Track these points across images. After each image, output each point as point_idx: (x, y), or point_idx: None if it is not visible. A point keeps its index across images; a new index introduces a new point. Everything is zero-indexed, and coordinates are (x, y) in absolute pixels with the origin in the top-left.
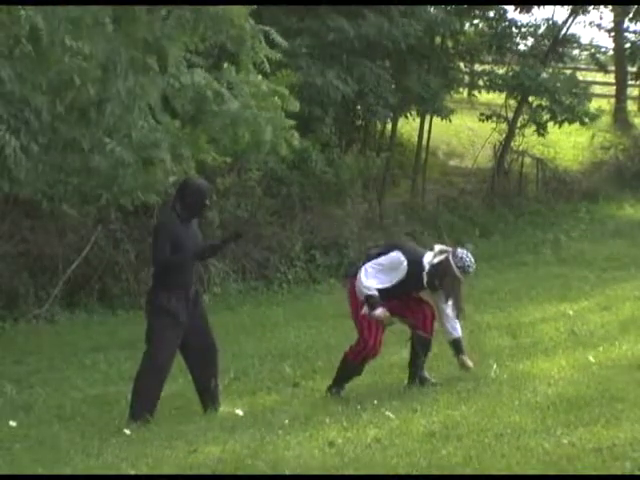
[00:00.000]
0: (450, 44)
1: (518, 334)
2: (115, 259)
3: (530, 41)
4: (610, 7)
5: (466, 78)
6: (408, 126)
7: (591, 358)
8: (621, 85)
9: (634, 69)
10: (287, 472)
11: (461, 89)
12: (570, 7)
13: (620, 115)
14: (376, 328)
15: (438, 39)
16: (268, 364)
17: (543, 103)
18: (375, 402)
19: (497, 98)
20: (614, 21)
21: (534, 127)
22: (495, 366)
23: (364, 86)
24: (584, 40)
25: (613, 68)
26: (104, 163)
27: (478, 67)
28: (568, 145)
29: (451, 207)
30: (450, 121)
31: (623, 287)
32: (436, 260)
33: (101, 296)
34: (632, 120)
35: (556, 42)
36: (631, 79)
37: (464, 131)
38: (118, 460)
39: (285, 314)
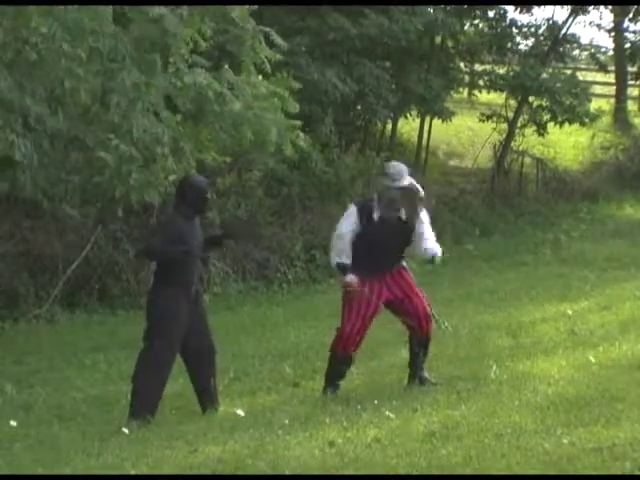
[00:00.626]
0: (450, 44)
1: (518, 334)
2: (115, 259)
3: (530, 41)
4: (610, 7)
5: (466, 78)
6: (408, 126)
7: (591, 358)
8: (621, 85)
9: (634, 69)
10: (287, 472)
11: (461, 89)
12: (570, 7)
13: (620, 115)
14: (356, 318)
15: (438, 39)
16: (268, 364)
17: (543, 103)
18: (375, 402)
19: (497, 98)
20: (614, 21)
21: (534, 127)
22: (495, 366)
23: (364, 86)
24: (584, 40)
25: (613, 68)
26: (110, 158)
27: (478, 67)
28: (568, 145)
29: (451, 207)
30: (450, 121)
31: (623, 287)
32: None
33: (101, 296)
34: (632, 120)
35: (556, 42)
36: (631, 79)
37: (464, 131)
38: (118, 460)
39: (285, 314)
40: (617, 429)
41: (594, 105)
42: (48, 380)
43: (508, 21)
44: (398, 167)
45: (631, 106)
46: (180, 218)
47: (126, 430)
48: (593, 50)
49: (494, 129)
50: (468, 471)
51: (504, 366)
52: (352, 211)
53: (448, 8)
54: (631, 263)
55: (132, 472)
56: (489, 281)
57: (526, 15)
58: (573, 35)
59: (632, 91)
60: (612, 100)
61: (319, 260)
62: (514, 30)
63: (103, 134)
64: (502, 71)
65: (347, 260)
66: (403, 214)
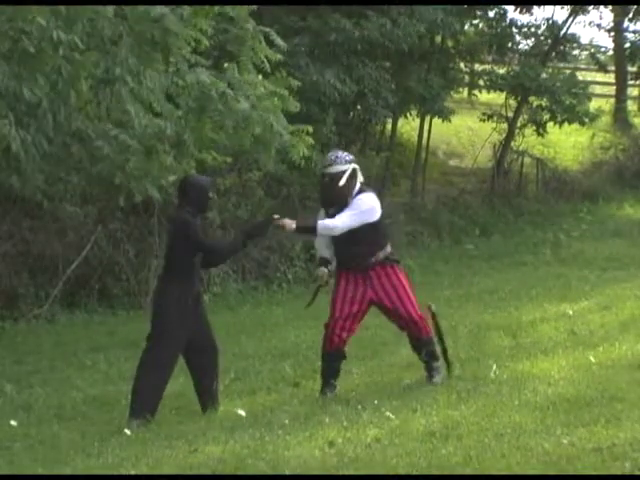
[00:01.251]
0: (450, 44)
1: (518, 334)
2: (115, 259)
3: (530, 41)
4: (610, 7)
5: (466, 78)
6: (408, 126)
7: (591, 358)
8: (621, 85)
9: (634, 69)
10: (287, 472)
11: (461, 89)
12: (570, 7)
13: (620, 115)
14: (339, 315)
15: (438, 39)
16: (268, 364)
17: (543, 103)
18: (375, 402)
19: (497, 98)
20: (614, 21)
21: (534, 127)
22: (495, 366)
23: (364, 86)
24: (584, 40)
25: (613, 68)
26: (108, 148)
27: (478, 67)
28: (568, 145)
29: (451, 207)
30: (450, 121)
31: (623, 287)
32: None
33: (101, 296)
34: (632, 120)
35: (556, 42)
36: (631, 79)
37: (464, 131)
38: (118, 460)
39: (285, 314)
40: (617, 429)
41: (594, 105)
42: (48, 380)
43: (508, 21)
44: (329, 154)
45: (631, 106)
46: (189, 216)
47: (126, 430)
48: (593, 50)
49: (494, 129)
50: (468, 471)
51: (504, 366)
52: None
53: (448, 8)
54: (631, 263)
55: (132, 472)
56: (489, 281)
57: (526, 15)
58: (573, 35)
59: (632, 91)
60: (612, 100)
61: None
62: (514, 30)
63: (104, 126)
64: (502, 71)
65: (324, 253)
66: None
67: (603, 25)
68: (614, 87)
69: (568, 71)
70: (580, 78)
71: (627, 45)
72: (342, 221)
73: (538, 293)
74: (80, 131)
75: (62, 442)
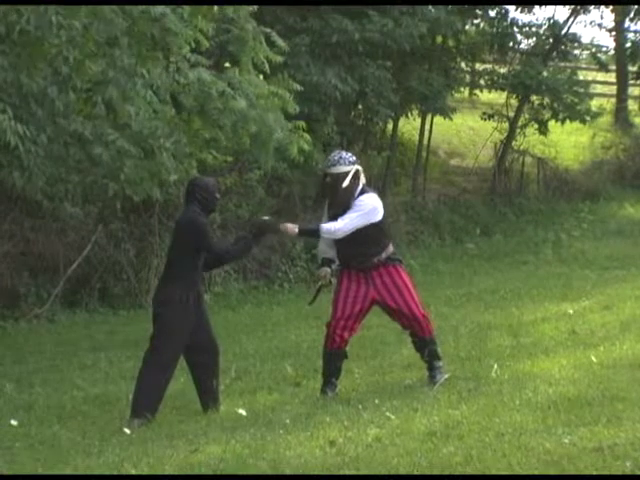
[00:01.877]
0: (451, 43)
1: (519, 333)
2: (116, 258)
3: (531, 40)
4: (611, 7)
5: (467, 77)
6: (409, 125)
7: (592, 357)
8: (622, 84)
9: (635, 68)
10: (288, 471)
11: (462, 88)
12: (571, 6)
13: (621, 114)
14: (341, 314)
15: (439, 38)
16: (269, 363)
17: (545, 101)
18: (376, 401)
19: (498, 97)
20: (615, 20)
21: (535, 126)
22: (496, 366)
23: (365, 85)
24: (585, 39)
25: (614, 67)
26: (106, 154)
27: (479, 66)
28: (569, 144)
29: (452, 206)
30: (451, 120)
31: (624, 286)
32: None
33: (102, 295)
34: (633, 119)
35: (557, 41)
36: (632, 78)
37: (465, 130)
38: (119, 459)
39: (286, 313)
40: (618, 429)
41: (595, 104)
42: (49, 380)
43: (509, 20)
44: (332, 154)
45: (632, 105)
46: (197, 216)
47: (126, 429)
48: (594, 49)
49: (495, 128)
50: (469, 470)
51: (505, 365)
52: (325, 211)
53: (449, 8)
54: (632, 263)
55: (133, 472)
56: (490, 280)
57: (527, 14)
58: (574, 34)
59: (633, 90)
60: (613, 99)
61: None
62: (515, 29)
63: (101, 128)
64: (503, 70)
65: (327, 254)
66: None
67: (604, 25)
68: (615, 87)
69: (569, 70)
70: (581, 77)
71: (628, 45)
72: (345, 224)
73: (539, 292)
74: (78, 132)
75: (63, 442)
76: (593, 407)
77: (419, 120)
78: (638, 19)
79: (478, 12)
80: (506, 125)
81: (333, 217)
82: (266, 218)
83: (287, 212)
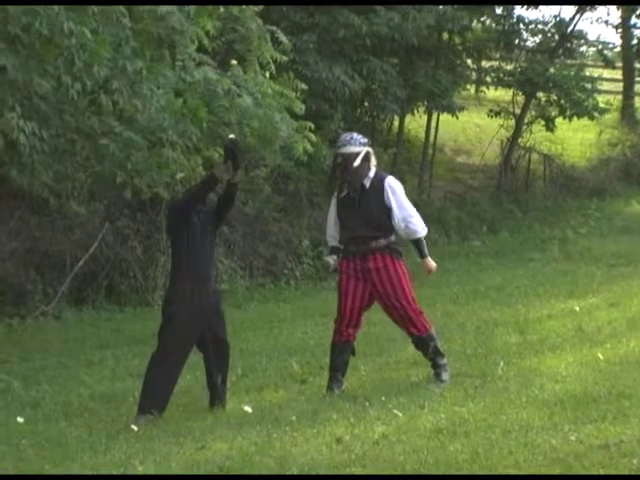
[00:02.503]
0: (457, 41)
1: (525, 331)
2: (122, 256)
3: (538, 38)
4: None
5: (473, 75)
6: (415, 123)
7: (599, 355)
8: (628, 81)
9: None
10: (294, 468)
11: (468, 86)
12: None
13: (627, 111)
14: (344, 308)
15: (445, 35)
16: (275, 360)
17: (552, 98)
18: (382, 399)
19: (504, 95)
20: (621, 17)
21: (542, 123)
22: (502, 363)
23: (372, 82)
24: (591, 36)
25: (620, 64)
26: (113, 145)
27: (485, 64)
28: (575, 142)
29: (458, 203)
30: (457, 117)
31: (630, 284)
32: None
33: (108, 293)
34: (639, 116)
35: (563, 38)
36: (638, 75)
37: (471, 128)
38: (125, 457)
39: (292, 311)
40: (625, 426)
41: (602, 101)
42: (55, 377)
43: (515, 18)
44: (344, 135)
45: (638, 102)
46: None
47: (134, 427)
48: (600, 46)
49: (501, 125)
50: (475, 468)
51: (511, 363)
52: (334, 196)
53: (455, 7)
54: (638, 260)
55: (139, 469)
56: (496, 277)
57: (533, 11)
58: (580, 31)
59: (639, 87)
60: (619, 96)
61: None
62: (521, 26)
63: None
64: (509, 67)
65: (334, 242)
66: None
67: (610, 21)
68: (621, 84)
69: (575, 67)
70: (587, 74)
71: (634, 42)
72: (412, 213)
73: (545, 290)
74: (85, 127)
75: (69, 439)
76: (599, 404)
77: (425, 117)
78: None
79: (484, 10)
80: (512, 122)
81: (345, 199)
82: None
83: (294, 209)
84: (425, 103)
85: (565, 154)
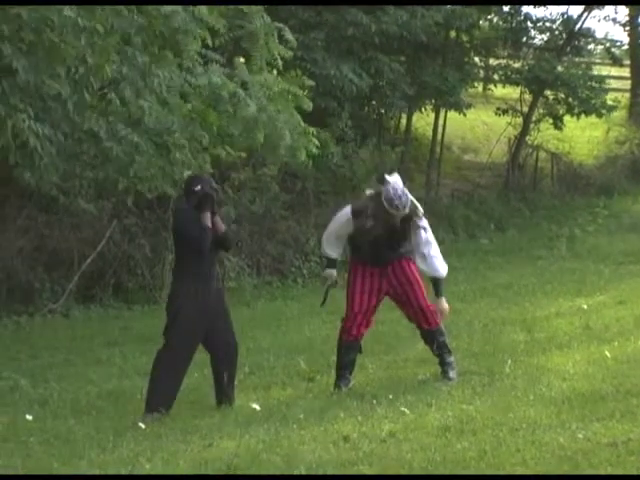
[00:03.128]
0: (465, 38)
1: (533, 329)
2: (130, 254)
3: (545, 35)
4: None
5: (481, 72)
6: (423, 121)
7: (606, 352)
8: (636, 79)
9: None
10: (302, 466)
11: (476, 83)
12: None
13: (635, 109)
14: (354, 307)
15: (453, 33)
16: (283, 358)
17: (560, 96)
18: (390, 397)
19: (512, 93)
20: (629, 15)
21: (549, 121)
22: (510, 361)
23: (379, 79)
24: (599, 34)
25: (628, 62)
26: (118, 149)
27: (493, 61)
28: (583, 139)
29: (466, 201)
30: (465, 115)
31: (638, 281)
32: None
33: (116, 290)
34: None
35: (571, 36)
36: None
37: (479, 126)
38: (133, 454)
39: (300, 309)
40: (632, 424)
41: (609, 98)
42: (63, 375)
43: (523, 15)
44: (404, 198)
45: None
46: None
47: (141, 424)
48: (608, 44)
49: (509, 123)
50: (483, 466)
51: (519, 361)
52: (347, 215)
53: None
54: None
55: (147, 466)
56: (504, 275)
57: (541, 9)
58: (588, 29)
59: None
60: (627, 94)
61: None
62: (529, 24)
63: (114, 124)
64: (517, 65)
65: (334, 254)
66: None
67: (618, 19)
68: (629, 81)
69: (583, 65)
70: (595, 72)
71: None
72: (436, 253)
73: (553, 288)
74: (92, 130)
75: (77, 436)
76: (607, 402)
77: (433, 115)
78: None
79: (492, 7)
80: (520, 120)
81: (372, 229)
82: None
83: (301, 207)
84: (433, 101)
85: (573, 152)
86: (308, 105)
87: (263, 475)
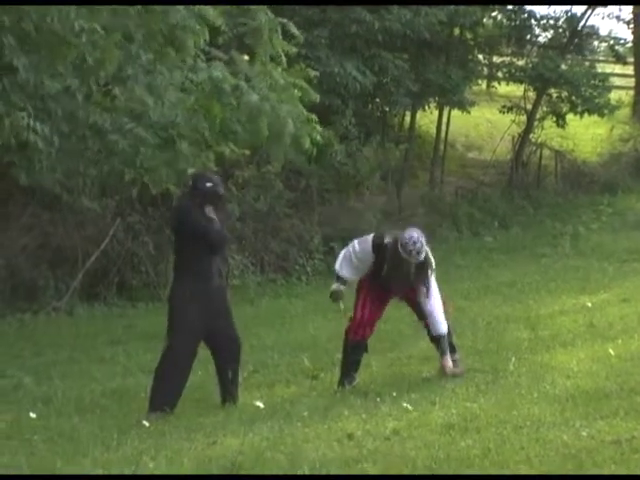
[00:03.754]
0: (469, 36)
1: (537, 326)
2: (134, 251)
3: (549, 33)
4: None
5: (485, 70)
6: (426, 118)
7: (610, 350)
8: None
9: None
10: (305, 464)
11: (480, 81)
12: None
13: (639, 107)
14: (364, 307)
15: (457, 30)
16: (287, 356)
17: (563, 94)
18: (394, 394)
19: (516, 90)
20: (633, 13)
21: (553, 119)
22: (514, 358)
23: (383, 76)
24: (603, 32)
25: (632, 60)
26: (123, 142)
27: (497, 59)
28: (587, 137)
29: (469, 199)
30: (469, 113)
31: None
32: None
33: (120, 288)
34: None
35: (575, 34)
36: None
37: (483, 123)
38: (137, 452)
39: (304, 306)
40: (636, 422)
41: (613, 97)
42: (67, 372)
43: (526, 13)
44: (419, 244)
45: None
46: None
47: (145, 422)
48: (612, 42)
49: (513, 121)
50: (487, 463)
51: (523, 358)
52: (369, 246)
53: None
54: None
55: (151, 465)
56: (507, 273)
57: (544, 7)
58: (592, 27)
59: None
60: (631, 92)
61: (338, 252)
62: (533, 22)
63: (119, 119)
64: (521, 63)
65: (347, 275)
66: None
67: (622, 17)
68: (633, 79)
69: (587, 63)
70: (599, 70)
71: None
72: (438, 310)
73: (557, 285)
74: (96, 124)
75: (81, 434)
76: (611, 400)
77: (436, 113)
78: None
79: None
80: (524, 118)
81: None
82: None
83: (305, 205)
84: (436, 99)
85: (577, 150)
86: (314, 97)
87: (267, 475)
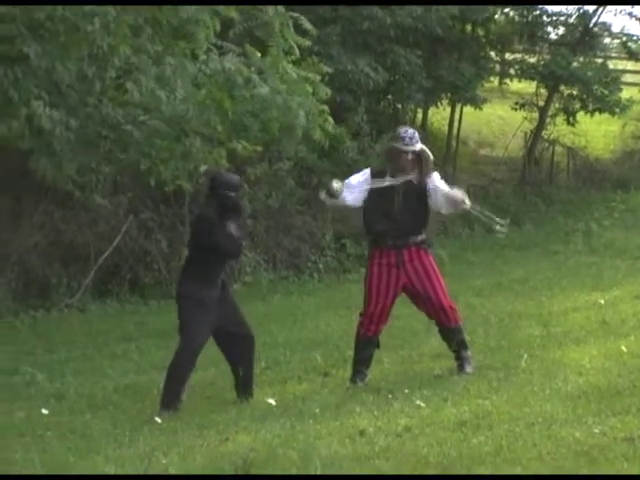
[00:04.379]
0: (481, 32)
1: (549, 323)
2: (146, 248)
3: (561, 30)
4: None
5: (497, 67)
6: (438, 115)
7: (623, 347)
8: None
9: None
10: (317, 461)
11: (492, 78)
12: None
13: None
14: (375, 301)
15: (469, 27)
16: (299, 353)
17: (574, 92)
18: (406, 391)
19: (528, 87)
20: None
21: (565, 116)
22: (526, 355)
23: (395, 73)
24: (615, 28)
25: None
26: (137, 133)
27: (509, 56)
28: (599, 134)
29: (482, 196)
30: (481, 110)
31: None
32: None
33: (132, 285)
34: None
35: (587, 31)
36: None
37: (495, 120)
38: (150, 449)
39: (316, 303)
40: None
41: (625, 94)
42: (80, 369)
43: (538, 10)
44: (411, 131)
45: None
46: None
47: (158, 419)
48: (624, 38)
49: (525, 118)
50: (499, 461)
51: (535, 355)
52: (365, 174)
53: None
54: None
55: (163, 461)
56: (520, 270)
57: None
58: (604, 23)
59: None
60: None
61: (350, 249)
62: (545, 19)
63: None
64: (533, 60)
65: (347, 197)
66: (415, 179)
67: (634, 13)
68: None
69: (599, 60)
70: (611, 67)
71: None
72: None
73: (569, 282)
74: (110, 117)
75: (94, 431)
76: (624, 397)
77: (449, 110)
78: None
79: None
80: (536, 115)
81: (387, 189)
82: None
83: (317, 202)
84: (448, 95)
85: (589, 146)
86: (326, 92)
87: (278, 475)
